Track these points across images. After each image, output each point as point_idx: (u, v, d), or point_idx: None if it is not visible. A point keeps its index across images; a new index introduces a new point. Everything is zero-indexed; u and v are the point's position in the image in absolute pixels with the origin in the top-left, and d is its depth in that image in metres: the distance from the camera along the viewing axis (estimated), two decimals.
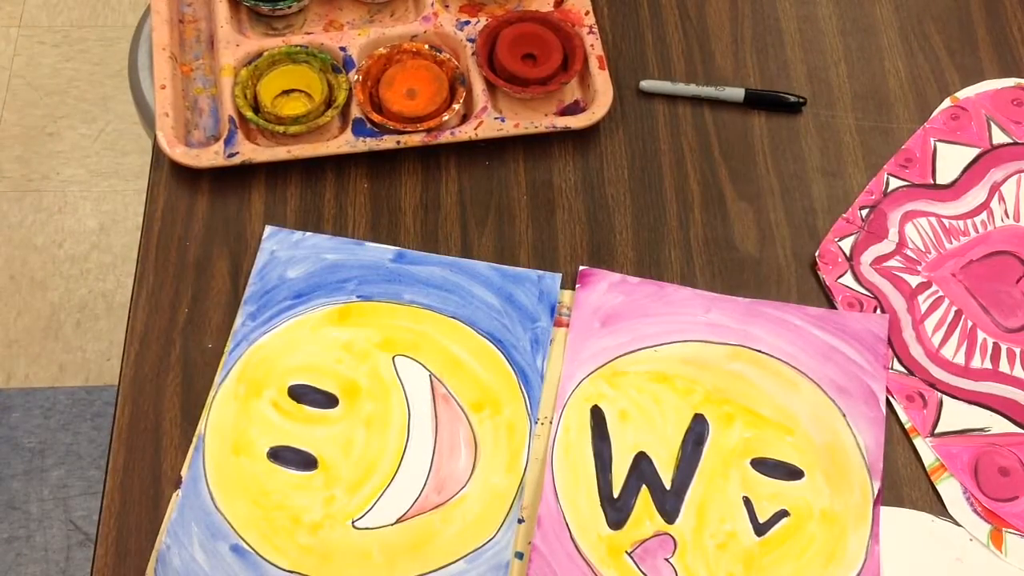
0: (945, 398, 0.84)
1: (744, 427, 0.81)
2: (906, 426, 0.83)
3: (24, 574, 1.47)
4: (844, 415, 0.82)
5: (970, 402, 0.84)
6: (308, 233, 0.88)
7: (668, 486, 0.79)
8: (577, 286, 0.87)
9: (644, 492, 0.79)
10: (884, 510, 0.79)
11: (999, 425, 0.84)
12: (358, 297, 0.85)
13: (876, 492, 0.79)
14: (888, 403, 0.84)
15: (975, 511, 0.80)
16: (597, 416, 0.81)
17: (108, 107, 1.84)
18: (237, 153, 0.89)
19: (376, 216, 0.90)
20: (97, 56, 1.88)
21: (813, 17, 1.03)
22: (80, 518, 1.49)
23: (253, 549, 0.76)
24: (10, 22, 1.91)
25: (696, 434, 0.81)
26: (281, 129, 0.90)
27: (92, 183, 1.77)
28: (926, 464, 0.82)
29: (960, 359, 0.86)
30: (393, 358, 0.83)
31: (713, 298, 0.87)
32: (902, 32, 1.03)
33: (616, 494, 0.78)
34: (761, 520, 0.78)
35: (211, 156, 0.89)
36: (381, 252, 0.88)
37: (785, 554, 0.77)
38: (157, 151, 0.91)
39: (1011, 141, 0.96)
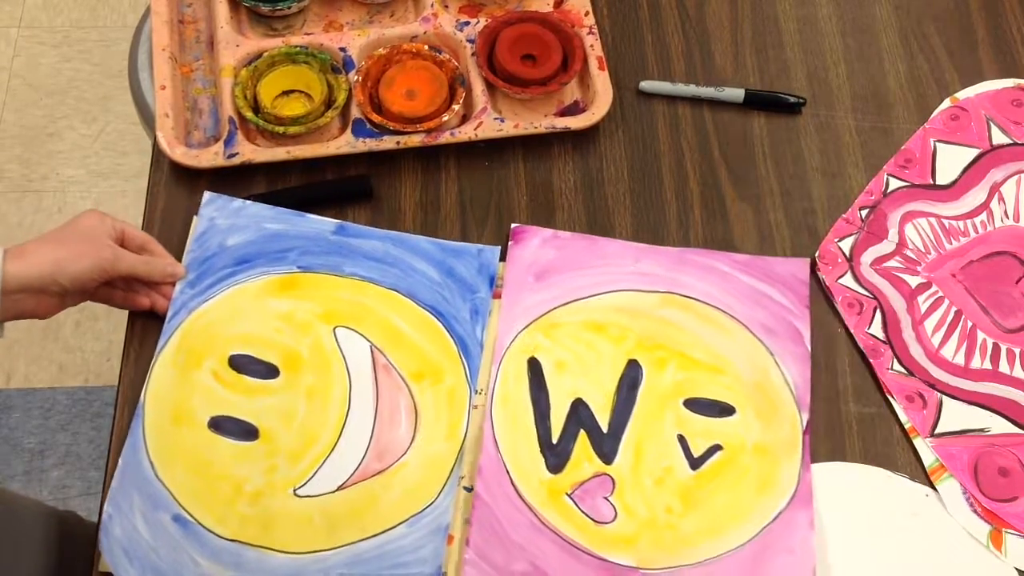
0: (945, 398, 0.84)
1: (677, 369, 0.84)
2: (906, 426, 0.83)
3: None
4: (772, 354, 0.84)
5: (970, 402, 0.84)
6: (248, 201, 0.88)
7: (605, 429, 0.81)
8: (510, 243, 0.88)
9: (582, 436, 0.81)
10: (842, 465, 0.81)
11: (999, 425, 0.84)
12: (298, 268, 0.86)
13: (804, 424, 0.82)
14: (887, 401, 0.84)
15: (975, 511, 0.80)
16: (534, 367, 0.83)
17: (108, 107, 1.83)
18: (237, 154, 0.89)
19: (376, 216, 0.90)
20: (97, 56, 1.88)
21: (813, 17, 1.03)
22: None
23: (194, 519, 0.76)
24: (10, 22, 1.91)
25: (630, 378, 0.83)
26: (281, 130, 0.90)
27: (92, 183, 1.77)
28: (926, 464, 0.82)
29: (960, 359, 0.86)
30: (334, 329, 0.84)
31: (643, 248, 0.89)
32: (902, 32, 1.03)
33: (555, 440, 0.81)
34: (696, 455, 0.81)
35: (211, 157, 0.89)
36: (323, 224, 0.88)
37: (720, 485, 0.80)
38: (157, 152, 0.91)
39: (1011, 142, 0.96)
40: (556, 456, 0.80)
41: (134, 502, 0.76)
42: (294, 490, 0.78)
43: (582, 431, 0.81)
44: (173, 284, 0.84)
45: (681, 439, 0.81)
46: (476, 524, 0.77)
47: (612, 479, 0.79)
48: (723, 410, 0.82)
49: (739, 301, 0.86)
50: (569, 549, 0.77)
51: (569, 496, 0.79)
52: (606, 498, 0.79)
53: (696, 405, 0.83)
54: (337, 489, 0.78)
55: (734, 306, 0.86)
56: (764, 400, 0.83)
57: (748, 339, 0.85)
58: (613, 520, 0.78)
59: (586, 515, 0.78)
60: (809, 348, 0.85)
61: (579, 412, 0.82)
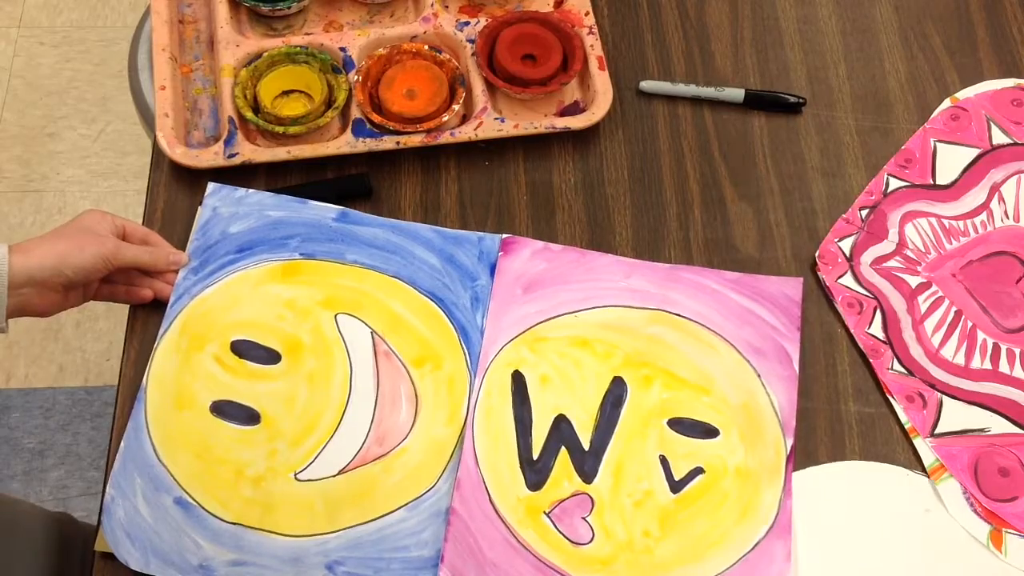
0: (945, 398, 0.84)
1: (662, 388, 0.83)
2: (906, 426, 0.83)
3: None
4: (759, 375, 0.83)
5: (970, 402, 0.84)
6: (251, 190, 0.89)
7: (587, 447, 0.80)
8: (500, 254, 0.87)
9: (563, 453, 0.80)
10: (861, 464, 0.81)
11: (999, 425, 0.84)
12: (300, 255, 0.86)
13: (789, 449, 0.81)
14: (887, 401, 0.84)
15: (975, 511, 0.80)
16: (518, 381, 0.83)
17: (108, 107, 1.83)
18: (237, 154, 0.89)
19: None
20: (97, 56, 1.88)
21: (813, 17, 1.03)
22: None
23: (196, 502, 0.77)
24: (10, 22, 1.91)
25: (615, 396, 0.82)
26: (281, 130, 0.90)
27: (92, 183, 1.77)
28: (926, 464, 0.82)
29: (960, 359, 0.86)
30: (335, 316, 0.84)
31: (633, 264, 0.88)
32: (902, 32, 1.03)
33: (536, 456, 0.80)
34: (677, 478, 0.80)
35: (211, 157, 0.89)
36: (324, 211, 0.88)
37: (700, 510, 0.79)
38: (157, 152, 0.91)
39: (1011, 141, 0.96)
40: (536, 473, 0.79)
41: (136, 484, 0.77)
42: (295, 474, 0.78)
43: (563, 448, 0.80)
44: (176, 272, 0.85)
45: (663, 460, 0.80)
46: (451, 540, 0.76)
47: (591, 499, 0.79)
48: (707, 431, 0.81)
49: (728, 320, 0.85)
50: (544, 569, 0.76)
51: (547, 515, 0.78)
52: (584, 518, 0.78)
53: (680, 425, 0.81)
54: (338, 473, 0.78)
55: (723, 325, 0.85)
56: (749, 422, 0.82)
57: (736, 359, 0.84)
58: (590, 541, 0.77)
59: (563, 535, 0.77)
60: (797, 371, 0.84)
61: (561, 428, 0.81)
